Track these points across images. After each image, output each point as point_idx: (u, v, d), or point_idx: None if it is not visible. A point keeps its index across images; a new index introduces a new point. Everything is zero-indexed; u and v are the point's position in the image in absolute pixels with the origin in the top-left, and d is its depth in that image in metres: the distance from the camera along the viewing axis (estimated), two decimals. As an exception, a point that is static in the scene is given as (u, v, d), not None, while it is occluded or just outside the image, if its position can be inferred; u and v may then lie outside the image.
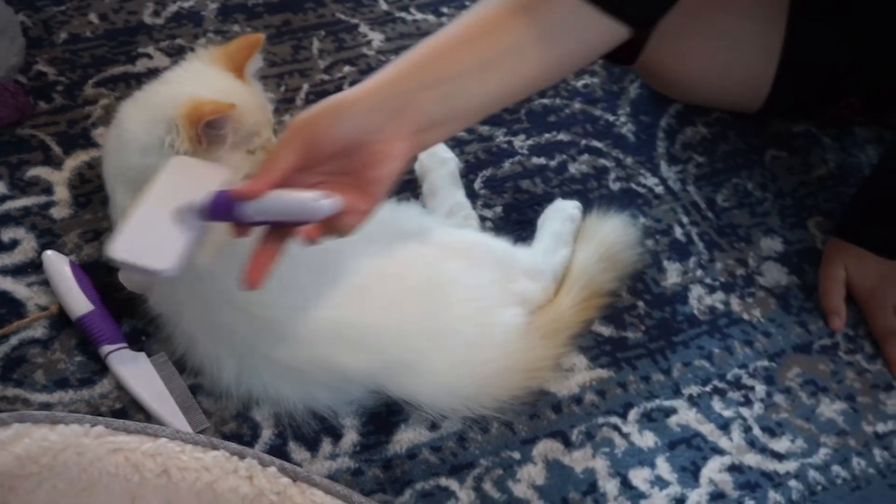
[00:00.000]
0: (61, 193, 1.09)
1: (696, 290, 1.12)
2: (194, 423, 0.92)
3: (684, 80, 1.20)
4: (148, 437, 0.81)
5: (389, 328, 0.91)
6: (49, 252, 1.01)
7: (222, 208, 0.77)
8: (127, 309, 0.96)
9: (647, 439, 0.99)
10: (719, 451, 0.99)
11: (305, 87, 1.24)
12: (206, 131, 0.89)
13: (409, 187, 1.15)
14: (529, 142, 1.23)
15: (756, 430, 1.01)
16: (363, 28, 1.34)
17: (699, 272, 1.13)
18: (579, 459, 0.96)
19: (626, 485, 0.95)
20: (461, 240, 1.02)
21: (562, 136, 1.25)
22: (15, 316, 0.98)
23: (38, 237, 1.05)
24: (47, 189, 1.09)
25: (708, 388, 1.04)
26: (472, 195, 1.15)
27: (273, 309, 0.88)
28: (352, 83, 1.25)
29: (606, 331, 1.06)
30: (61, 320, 0.99)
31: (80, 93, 1.19)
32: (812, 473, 0.99)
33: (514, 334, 0.97)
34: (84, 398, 0.94)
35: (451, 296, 0.95)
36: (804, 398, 1.05)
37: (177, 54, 1.25)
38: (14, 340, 0.97)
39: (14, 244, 1.04)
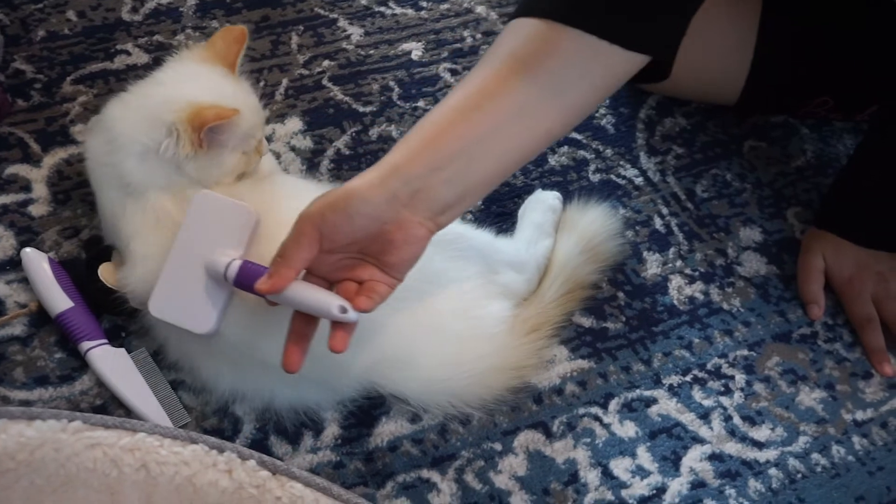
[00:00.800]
0: (40, 191, 1.08)
1: (675, 281, 1.12)
2: (175, 418, 0.92)
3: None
4: (126, 431, 0.81)
5: (381, 323, 0.90)
6: (28, 249, 1.00)
7: (247, 284, 0.81)
8: (106, 305, 0.96)
9: (627, 429, 0.99)
10: (700, 441, 0.99)
11: (285, 82, 1.24)
12: (208, 136, 0.88)
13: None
14: (509, 135, 1.23)
15: (736, 419, 1.01)
16: (342, 23, 1.33)
17: (679, 262, 1.14)
18: (560, 450, 0.97)
19: (607, 475, 0.96)
20: (443, 231, 1.02)
21: (542, 129, 1.25)
22: (-6, 313, 0.98)
23: (17, 234, 1.04)
24: (26, 186, 1.09)
25: (688, 378, 1.04)
26: (452, 188, 1.14)
27: (266, 311, 0.87)
28: (331, 78, 1.26)
29: (587, 322, 1.07)
30: (41, 317, 0.98)
31: (59, 90, 1.19)
32: (792, 461, 0.99)
33: (502, 328, 0.97)
34: (64, 395, 0.94)
35: (438, 289, 0.95)
36: (784, 387, 1.05)
37: (156, 50, 1.24)
38: (-7, 338, 0.97)
39: (-8, 242, 1.04)
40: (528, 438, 0.97)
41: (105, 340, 0.96)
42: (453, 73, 1.29)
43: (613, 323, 1.07)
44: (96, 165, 0.96)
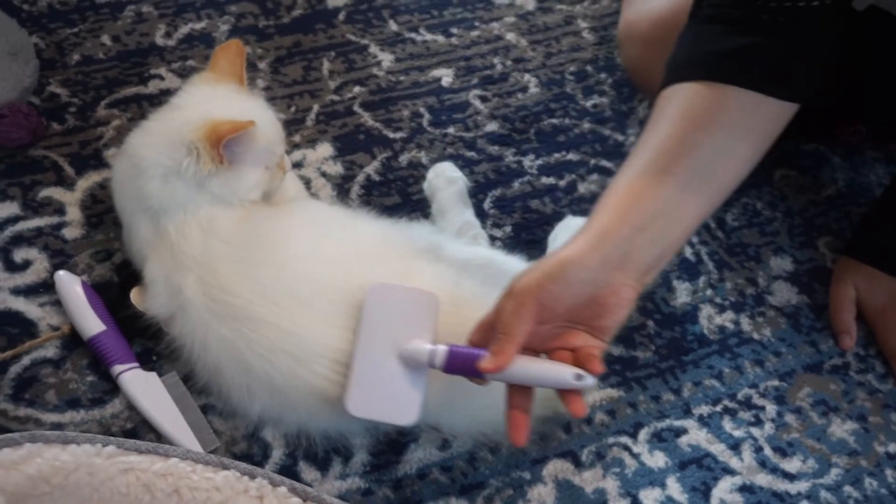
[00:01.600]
0: (73, 214, 1.10)
1: (706, 310, 1.12)
2: (205, 442, 0.93)
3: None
4: (159, 456, 0.82)
5: None
6: (61, 272, 1.01)
7: (459, 366, 0.82)
8: (138, 329, 0.96)
9: (657, 459, 0.99)
10: (730, 472, 0.99)
11: (316, 107, 1.25)
12: (227, 151, 0.90)
13: (419, 206, 1.15)
14: (539, 161, 1.24)
15: (767, 450, 1.01)
16: (373, 49, 1.34)
17: (709, 291, 1.13)
18: (589, 479, 0.96)
19: (636, 505, 0.95)
20: (475, 257, 1.02)
21: (571, 156, 1.25)
22: (27, 336, 0.99)
23: (51, 257, 1.05)
24: (59, 210, 1.10)
25: (718, 408, 1.03)
26: (481, 215, 1.15)
27: (318, 335, 0.88)
28: (362, 103, 1.26)
29: (616, 350, 1.06)
30: (73, 340, 0.99)
31: (93, 114, 1.20)
32: (824, 494, 0.98)
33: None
34: (95, 418, 0.94)
35: (473, 315, 0.95)
36: (815, 418, 1.04)
37: (188, 75, 1.25)
38: (26, 360, 0.98)
39: (26, 264, 1.05)
40: (557, 467, 0.97)
41: (137, 364, 0.96)
42: (483, 99, 1.29)
43: (643, 352, 1.07)
44: (120, 189, 0.98)
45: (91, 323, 0.97)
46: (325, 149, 1.21)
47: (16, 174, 1.13)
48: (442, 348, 0.83)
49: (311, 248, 0.94)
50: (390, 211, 1.13)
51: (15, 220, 1.08)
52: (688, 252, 1.17)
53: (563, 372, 0.78)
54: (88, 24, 1.31)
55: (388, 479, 0.94)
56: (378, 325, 0.87)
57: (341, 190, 1.17)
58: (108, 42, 1.29)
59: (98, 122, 1.19)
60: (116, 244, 1.06)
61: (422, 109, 1.27)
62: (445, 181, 1.14)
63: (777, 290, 1.15)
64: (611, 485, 0.96)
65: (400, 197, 1.17)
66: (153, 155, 0.93)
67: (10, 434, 0.81)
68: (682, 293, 1.13)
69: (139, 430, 0.94)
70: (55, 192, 1.11)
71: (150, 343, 0.98)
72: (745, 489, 0.97)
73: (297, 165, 1.18)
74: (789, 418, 1.04)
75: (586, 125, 1.29)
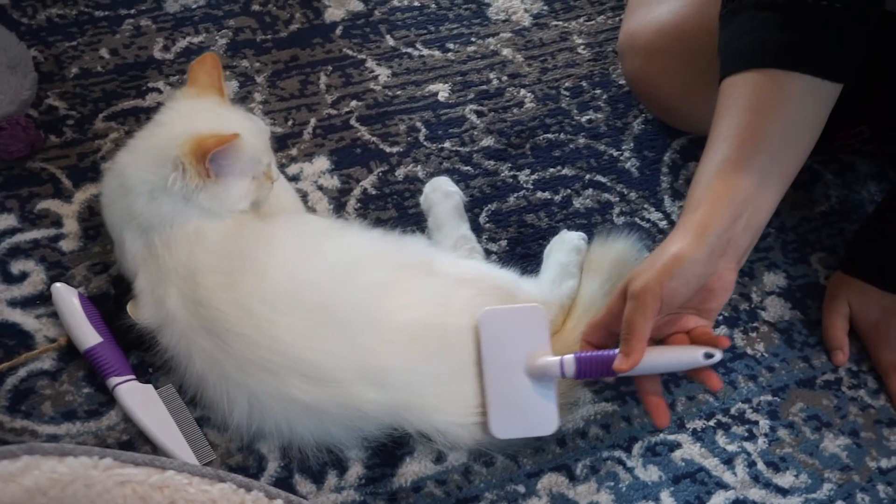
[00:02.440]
0: (71, 226, 1.10)
1: (699, 325, 1.12)
2: (201, 455, 0.93)
3: (686, 111, 1.21)
4: (155, 469, 0.82)
5: (409, 362, 0.91)
6: (58, 284, 1.01)
7: (590, 370, 0.89)
8: (135, 341, 0.96)
9: (651, 473, 0.99)
10: (723, 486, 0.99)
11: (313, 121, 1.26)
12: (213, 164, 0.90)
13: (415, 220, 1.16)
14: (534, 176, 1.24)
15: (760, 465, 1.01)
16: (370, 63, 1.35)
17: (703, 306, 1.14)
18: (584, 493, 0.97)
19: (630, 519, 0.95)
20: (469, 270, 1.03)
21: (566, 171, 1.26)
22: (24, 348, 0.99)
23: (48, 269, 1.06)
24: (57, 222, 1.10)
25: (712, 423, 1.04)
26: (477, 229, 1.16)
27: (291, 348, 0.89)
28: (358, 118, 1.27)
29: (611, 365, 1.07)
30: (69, 352, 0.99)
31: (91, 127, 1.21)
32: (816, 508, 0.99)
33: None
34: (91, 430, 0.95)
35: (466, 328, 0.96)
36: (808, 433, 1.05)
37: (186, 89, 1.26)
38: (22, 372, 0.98)
39: (23, 276, 1.05)
40: (551, 481, 0.97)
41: (133, 376, 0.97)
42: (479, 114, 1.30)
43: (637, 366, 1.07)
44: (110, 206, 0.99)
45: (88, 335, 0.98)
46: (321, 162, 1.21)
47: (14, 186, 1.13)
48: (569, 357, 0.90)
49: (294, 260, 0.95)
50: (386, 225, 1.14)
51: (12, 231, 1.09)
52: (682, 267, 1.17)
53: (693, 354, 0.85)
54: (87, 37, 1.31)
55: (384, 491, 0.94)
56: (499, 349, 0.92)
57: (338, 204, 1.17)
58: (107, 55, 1.30)
59: (96, 134, 1.20)
60: (113, 256, 1.06)
61: (418, 124, 1.28)
62: (442, 195, 1.15)
63: (770, 305, 1.16)
64: (605, 498, 0.96)
65: (396, 211, 1.17)
66: (139, 173, 0.94)
67: (7, 446, 0.81)
68: (677, 308, 1.13)
69: (135, 442, 0.94)
70: (53, 205, 1.12)
71: (147, 355, 0.98)
72: (738, 503, 0.98)
73: (294, 179, 1.18)
74: (782, 433, 1.04)
75: (581, 140, 1.30)
